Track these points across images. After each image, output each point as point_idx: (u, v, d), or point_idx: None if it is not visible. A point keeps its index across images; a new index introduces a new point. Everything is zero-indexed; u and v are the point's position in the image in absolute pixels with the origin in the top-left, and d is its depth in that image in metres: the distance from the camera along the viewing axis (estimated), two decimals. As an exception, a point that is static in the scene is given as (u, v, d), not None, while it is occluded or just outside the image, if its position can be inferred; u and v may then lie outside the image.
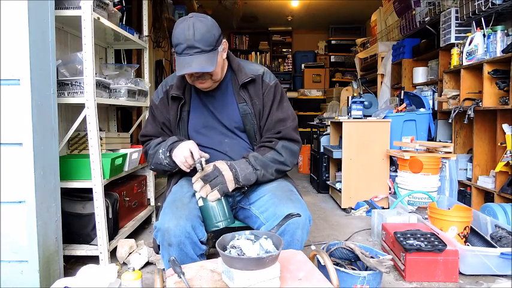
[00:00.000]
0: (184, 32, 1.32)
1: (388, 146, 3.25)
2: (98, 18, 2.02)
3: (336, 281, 1.10)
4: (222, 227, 1.34)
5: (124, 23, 2.63)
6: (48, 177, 1.68)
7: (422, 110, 3.53)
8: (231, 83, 1.54)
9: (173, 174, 1.59)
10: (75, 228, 2.05)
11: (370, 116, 3.53)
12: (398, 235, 2.00)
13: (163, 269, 1.16)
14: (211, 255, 1.98)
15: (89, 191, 1.96)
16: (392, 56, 4.49)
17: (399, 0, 4.34)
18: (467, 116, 2.82)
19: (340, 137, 3.41)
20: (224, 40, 1.43)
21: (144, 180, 2.79)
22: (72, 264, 2.03)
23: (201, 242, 1.32)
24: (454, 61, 3.14)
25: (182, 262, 1.18)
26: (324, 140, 3.97)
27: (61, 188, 1.82)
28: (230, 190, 1.36)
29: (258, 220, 1.41)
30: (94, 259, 2.01)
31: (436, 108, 3.59)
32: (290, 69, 7.79)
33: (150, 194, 2.90)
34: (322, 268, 1.15)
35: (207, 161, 1.41)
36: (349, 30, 7.38)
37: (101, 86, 2.11)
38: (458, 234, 2.10)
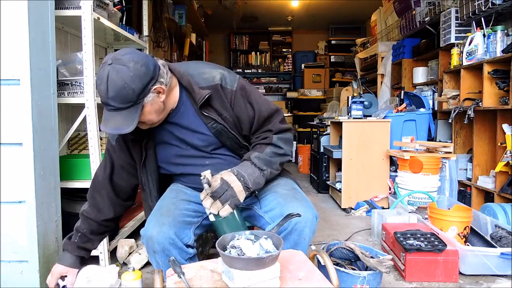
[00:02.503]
0: (99, 85, 1.17)
1: (388, 146, 3.25)
2: (98, 18, 2.02)
3: (336, 281, 1.11)
4: None
5: (124, 23, 2.63)
6: (48, 177, 1.68)
7: (422, 110, 3.53)
8: (189, 103, 1.35)
9: (169, 180, 1.56)
10: (75, 228, 2.05)
11: (370, 116, 3.53)
12: (398, 235, 1.99)
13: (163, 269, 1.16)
14: (211, 255, 1.99)
15: (89, 191, 1.96)
16: (392, 56, 4.49)
17: (399, 0, 4.34)
18: (467, 116, 2.82)
19: (340, 137, 3.41)
20: (156, 86, 1.21)
21: (144, 180, 2.78)
22: (72, 264, 2.03)
23: (188, 246, 1.30)
24: (454, 61, 3.14)
25: (169, 268, 1.12)
26: (324, 140, 3.97)
27: (61, 188, 1.82)
28: (242, 201, 1.26)
29: (262, 219, 1.39)
30: (94, 259, 2.01)
31: (436, 108, 3.59)
32: (290, 69, 7.79)
33: (150, 194, 2.90)
34: (322, 268, 1.15)
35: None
36: (349, 30, 7.38)
37: (101, 86, 2.10)
38: (458, 234, 2.10)
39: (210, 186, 1.22)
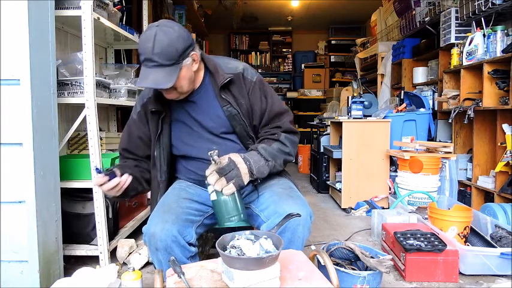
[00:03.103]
0: (145, 42, 1.27)
1: (388, 146, 3.25)
2: (98, 18, 2.02)
3: (336, 281, 1.11)
4: (235, 221, 1.27)
5: (124, 23, 2.63)
6: (48, 177, 1.68)
7: (422, 110, 3.53)
8: (210, 86, 1.47)
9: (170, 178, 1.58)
10: (75, 228, 2.05)
11: (370, 116, 3.53)
12: (398, 235, 2.00)
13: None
14: (211, 255, 1.99)
15: (89, 191, 1.97)
16: (393, 56, 4.49)
17: (399, 0, 4.34)
18: (467, 116, 2.82)
19: (340, 137, 3.41)
20: (193, 52, 1.35)
21: (144, 180, 2.78)
22: (72, 264, 2.03)
23: (190, 244, 1.31)
24: (454, 61, 3.14)
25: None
26: (324, 140, 3.97)
27: (61, 188, 1.82)
28: (245, 183, 1.31)
29: (258, 218, 1.41)
30: (94, 259, 2.01)
31: (436, 108, 3.58)
32: (290, 69, 7.79)
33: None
34: (322, 268, 1.15)
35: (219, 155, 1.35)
36: (349, 30, 7.38)
37: (101, 86, 2.11)
38: (458, 234, 2.10)
39: (216, 163, 1.26)
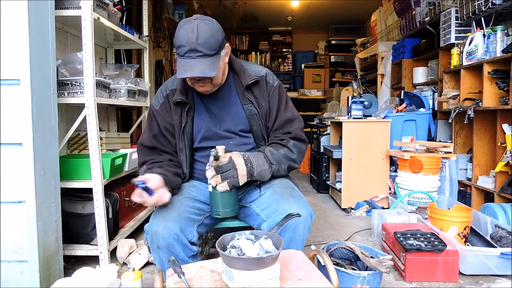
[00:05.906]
0: (188, 34, 1.29)
1: (388, 146, 3.25)
2: (98, 18, 2.02)
3: (336, 281, 1.11)
4: (222, 216, 1.38)
5: (124, 23, 2.63)
6: (48, 177, 1.68)
7: (422, 110, 3.53)
8: (234, 85, 1.51)
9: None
10: (75, 228, 2.05)
11: (370, 116, 3.53)
12: (398, 235, 2.00)
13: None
14: (211, 255, 1.99)
15: (89, 191, 1.96)
16: (393, 56, 4.49)
17: (399, 0, 4.34)
18: (467, 116, 2.82)
19: (340, 137, 3.41)
20: (227, 44, 1.41)
21: (144, 180, 2.78)
22: (72, 264, 2.03)
23: (192, 243, 1.32)
24: (454, 61, 3.14)
25: None
26: (324, 140, 3.97)
27: (61, 188, 1.82)
28: (240, 184, 1.37)
29: (258, 217, 1.42)
30: (94, 259, 2.01)
31: (436, 108, 3.59)
32: (290, 69, 7.79)
33: (150, 194, 2.89)
34: (322, 268, 1.15)
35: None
36: (349, 30, 7.38)
37: (101, 86, 2.11)
38: (458, 234, 2.10)
39: (217, 160, 1.33)
